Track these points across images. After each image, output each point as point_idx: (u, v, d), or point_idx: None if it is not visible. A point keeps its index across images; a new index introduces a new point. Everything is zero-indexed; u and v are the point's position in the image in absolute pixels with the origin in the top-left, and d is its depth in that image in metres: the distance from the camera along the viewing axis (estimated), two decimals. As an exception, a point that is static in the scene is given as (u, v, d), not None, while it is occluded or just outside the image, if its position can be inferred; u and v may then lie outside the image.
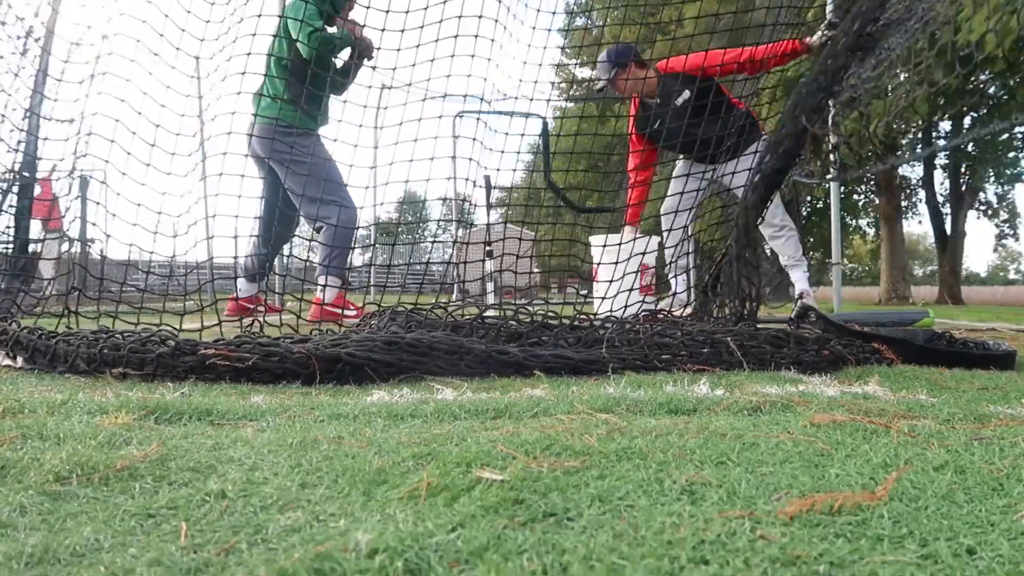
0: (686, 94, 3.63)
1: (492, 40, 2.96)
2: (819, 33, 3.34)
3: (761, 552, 0.60)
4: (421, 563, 0.58)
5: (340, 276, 3.79)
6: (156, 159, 2.53)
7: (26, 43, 2.71)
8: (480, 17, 2.94)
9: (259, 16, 2.96)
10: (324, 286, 3.72)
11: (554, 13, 3.54)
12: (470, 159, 3.06)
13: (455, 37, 2.92)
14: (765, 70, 3.56)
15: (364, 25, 3.67)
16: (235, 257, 3.76)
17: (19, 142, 2.68)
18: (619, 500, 0.76)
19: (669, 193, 4.02)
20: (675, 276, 3.88)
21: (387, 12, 2.97)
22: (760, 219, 2.76)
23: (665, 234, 3.85)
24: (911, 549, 0.62)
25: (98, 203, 2.49)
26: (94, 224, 2.52)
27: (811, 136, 2.55)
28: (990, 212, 24.21)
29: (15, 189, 2.77)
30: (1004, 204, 24.42)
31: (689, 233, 3.80)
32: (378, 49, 3.51)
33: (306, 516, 0.71)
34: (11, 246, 2.74)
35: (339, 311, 3.62)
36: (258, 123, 3.61)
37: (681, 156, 4.02)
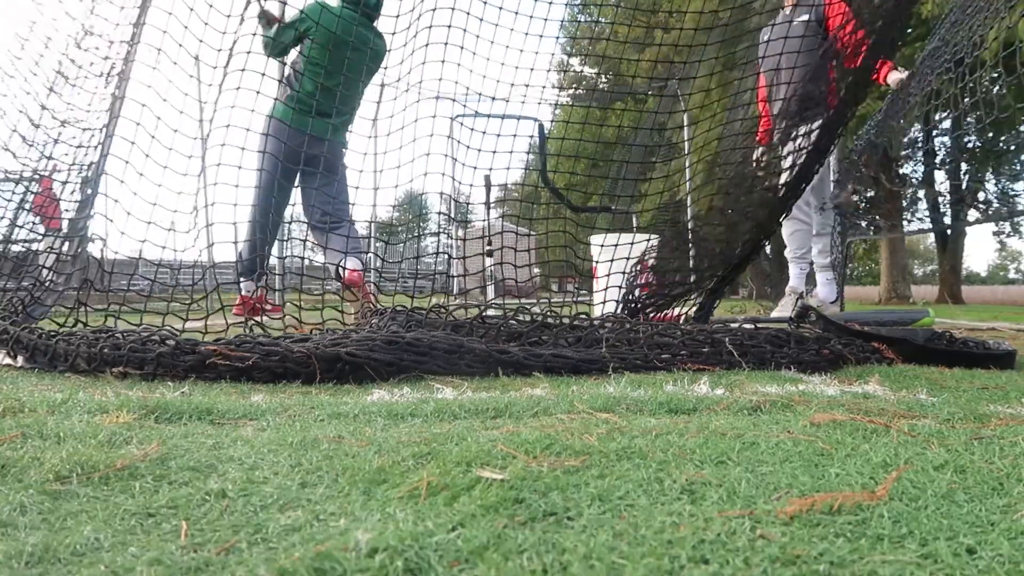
0: (806, 16, 3.53)
1: (484, 40, 2.97)
2: (904, 75, 3.30)
3: (761, 551, 0.60)
4: (421, 562, 0.58)
5: (360, 259, 3.80)
6: (173, 162, 2.57)
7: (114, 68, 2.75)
8: (478, 19, 2.95)
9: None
10: (361, 261, 3.73)
11: (545, 20, 3.52)
12: (454, 159, 3.07)
13: (442, 29, 2.93)
14: (845, 62, 3.46)
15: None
16: (237, 253, 3.78)
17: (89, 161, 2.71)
18: (619, 499, 0.76)
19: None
20: (821, 273, 3.80)
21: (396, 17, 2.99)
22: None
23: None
24: (911, 548, 0.62)
25: (116, 200, 2.50)
26: (111, 220, 2.53)
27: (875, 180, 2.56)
28: (991, 212, 24.19)
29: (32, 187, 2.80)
30: (1005, 204, 24.38)
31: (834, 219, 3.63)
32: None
33: (306, 515, 0.71)
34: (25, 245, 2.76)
35: (368, 289, 3.63)
36: (313, 138, 3.60)
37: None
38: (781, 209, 2.89)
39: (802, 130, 3.09)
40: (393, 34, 3.06)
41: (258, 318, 2.43)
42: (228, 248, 2.95)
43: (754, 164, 3.50)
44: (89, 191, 2.71)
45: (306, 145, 3.45)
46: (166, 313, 2.19)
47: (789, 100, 3.16)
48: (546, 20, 3.09)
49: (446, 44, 2.94)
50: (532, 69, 3.12)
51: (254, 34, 2.95)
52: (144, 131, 2.50)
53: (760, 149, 3.75)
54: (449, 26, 2.93)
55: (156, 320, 2.29)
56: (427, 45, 2.97)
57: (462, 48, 2.96)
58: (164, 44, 2.58)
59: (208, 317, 2.32)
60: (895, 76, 3.41)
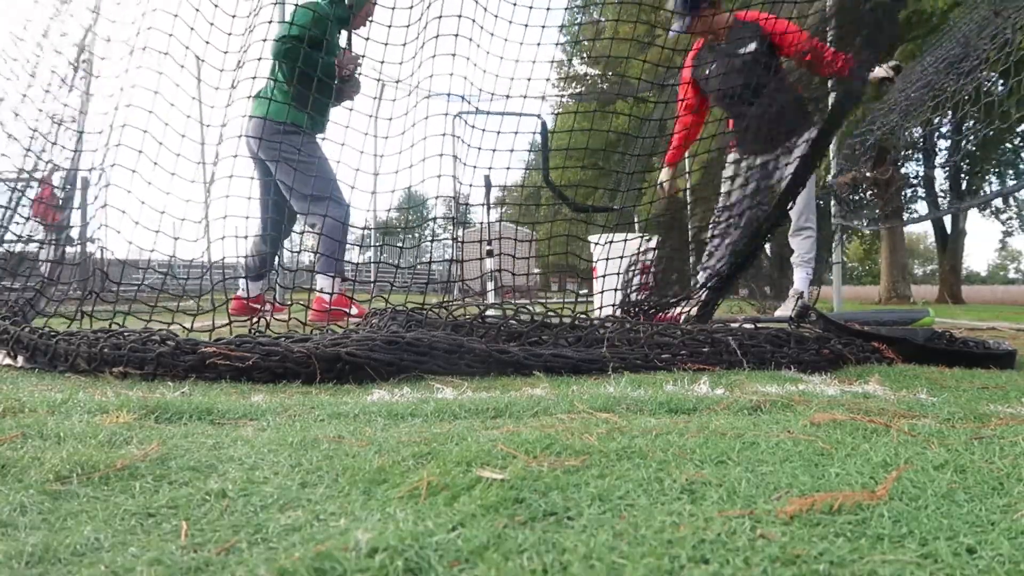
0: (752, 46, 3.52)
1: (484, 37, 2.97)
2: (883, 68, 3.34)
3: (761, 551, 0.60)
4: (421, 562, 0.58)
5: (338, 273, 3.79)
6: (181, 168, 2.57)
7: (78, 60, 2.75)
8: (476, 21, 2.95)
9: (269, 22, 2.98)
10: (333, 281, 3.72)
11: (548, 9, 3.52)
12: (455, 157, 3.07)
13: (446, 35, 2.93)
14: (812, 71, 3.51)
15: (360, 63, 3.68)
16: (244, 256, 3.78)
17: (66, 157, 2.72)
18: (619, 499, 0.76)
19: (722, 191, 3.94)
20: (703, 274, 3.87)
21: (392, 10, 2.99)
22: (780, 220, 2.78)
23: (712, 229, 3.83)
24: (911, 548, 0.62)
25: (122, 211, 2.49)
26: (119, 231, 2.53)
27: (873, 180, 2.59)
28: (996, 211, 24.24)
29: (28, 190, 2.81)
30: (1010, 203, 24.42)
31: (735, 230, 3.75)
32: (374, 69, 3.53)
33: (306, 515, 0.71)
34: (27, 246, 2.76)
35: (342, 310, 3.62)
36: (254, 123, 3.62)
37: (730, 157, 3.91)
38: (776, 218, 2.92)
39: (782, 150, 3.17)
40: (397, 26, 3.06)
41: (255, 318, 2.43)
42: (237, 256, 2.98)
43: (657, 187, 3.60)
44: (68, 187, 2.71)
45: (248, 128, 3.48)
46: (171, 323, 2.19)
47: (753, 132, 3.21)
48: (547, 15, 3.09)
49: (437, 36, 2.94)
50: (532, 62, 3.12)
51: (264, 40, 2.96)
52: (151, 138, 2.51)
53: (665, 171, 3.86)
54: (441, 15, 2.93)
55: (158, 325, 2.29)
56: (425, 40, 2.97)
57: (466, 39, 2.96)
58: (170, 47, 2.59)
59: (214, 328, 2.32)
60: (875, 72, 3.42)
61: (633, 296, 3.14)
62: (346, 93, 3.75)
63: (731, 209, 3.43)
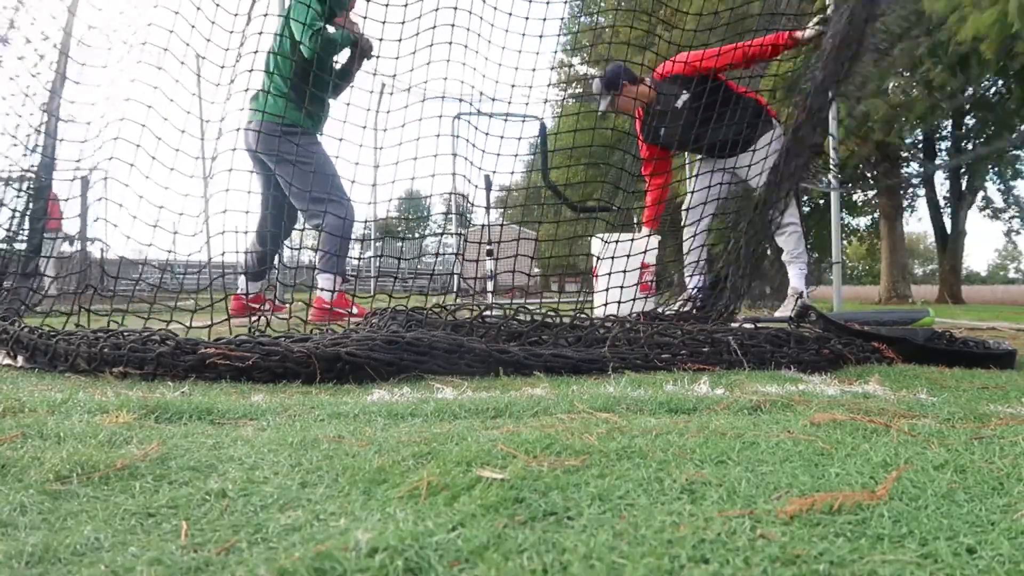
0: (684, 95, 3.67)
1: (485, 40, 2.97)
2: (809, 28, 3.40)
3: (761, 551, 0.60)
4: (421, 562, 0.58)
5: (340, 274, 3.79)
6: (180, 163, 2.57)
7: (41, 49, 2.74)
8: (477, 16, 2.95)
9: (264, 15, 2.97)
10: (333, 281, 3.73)
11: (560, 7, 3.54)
12: (457, 155, 3.07)
13: (450, 31, 2.93)
14: (758, 62, 3.64)
15: (362, 24, 3.68)
16: (243, 253, 3.78)
17: (35, 144, 2.70)
18: (619, 499, 0.76)
19: (691, 190, 4.05)
20: (691, 275, 3.92)
21: (384, 18, 2.98)
22: (781, 216, 2.84)
23: (687, 232, 3.88)
24: (911, 548, 0.62)
25: (120, 204, 2.49)
26: (115, 225, 2.52)
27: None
28: (995, 210, 24.23)
29: (28, 190, 2.80)
30: (1010, 202, 24.34)
31: (708, 230, 3.84)
32: (376, 56, 3.53)
33: (306, 515, 0.71)
34: (23, 246, 2.75)
35: (342, 311, 3.62)
36: (256, 120, 3.61)
37: (699, 157, 4.07)
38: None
39: (761, 143, 3.40)
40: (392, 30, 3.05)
41: (255, 317, 2.43)
42: (236, 252, 2.99)
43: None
44: (44, 177, 2.71)
45: (258, 127, 3.51)
46: (169, 323, 2.19)
47: (719, 144, 3.39)
48: (545, 20, 3.10)
49: (450, 43, 2.94)
50: (534, 70, 3.13)
51: (260, 33, 2.94)
52: (150, 133, 2.49)
53: (648, 232, 3.97)
54: (454, 20, 2.93)
55: (156, 324, 2.28)
56: (431, 45, 2.97)
57: (466, 46, 2.96)
58: (170, 43, 2.57)
59: (212, 326, 2.32)
60: (805, 33, 3.47)
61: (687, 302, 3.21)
62: (365, 56, 3.75)
63: (698, 212, 3.55)
